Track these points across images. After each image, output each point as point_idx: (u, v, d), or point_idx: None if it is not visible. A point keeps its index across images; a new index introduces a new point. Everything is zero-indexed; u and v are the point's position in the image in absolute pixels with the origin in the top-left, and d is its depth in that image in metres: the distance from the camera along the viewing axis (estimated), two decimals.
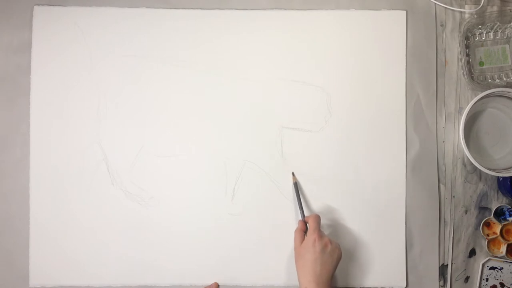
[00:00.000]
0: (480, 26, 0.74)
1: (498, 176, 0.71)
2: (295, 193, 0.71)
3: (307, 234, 0.65)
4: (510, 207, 0.73)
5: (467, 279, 0.73)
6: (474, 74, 0.74)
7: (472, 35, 0.74)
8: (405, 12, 0.74)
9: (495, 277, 0.73)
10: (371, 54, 0.74)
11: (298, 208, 0.70)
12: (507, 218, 0.73)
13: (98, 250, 0.72)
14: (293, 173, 0.72)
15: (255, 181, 0.73)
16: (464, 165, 0.74)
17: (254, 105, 0.73)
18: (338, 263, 0.64)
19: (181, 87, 0.73)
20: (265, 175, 0.73)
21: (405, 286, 0.72)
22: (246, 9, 0.74)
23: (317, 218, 0.67)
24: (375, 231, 0.72)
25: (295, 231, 0.68)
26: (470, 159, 0.68)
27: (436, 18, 0.74)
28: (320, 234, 0.64)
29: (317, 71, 0.74)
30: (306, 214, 0.70)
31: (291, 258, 0.71)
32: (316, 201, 0.72)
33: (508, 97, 0.72)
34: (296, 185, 0.71)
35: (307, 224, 0.67)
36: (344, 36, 0.74)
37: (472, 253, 0.73)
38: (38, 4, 0.73)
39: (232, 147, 0.73)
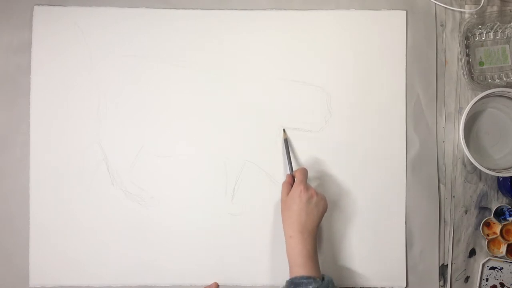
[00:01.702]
0: (480, 26, 0.74)
1: (498, 176, 0.71)
2: (284, 149, 0.71)
3: (294, 185, 0.66)
4: (510, 207, 0.73)
5: (467, 279, 0.73)
6: (474, 74, 0.74)
7: (472, 35, 0.74)
8: (405, 12, 0.74)
9: (495, 277, 0.73)
10: (371, 54, 0.74)
11: (287, 163, 0.70)
12: (507, 218, 0.73)
13: (98, 250, 0.72)
14: (284, 130, 0.73)
15: (255, 181, 0.73)
16: (464, 165, 0.74)
17: (254, 105, 0.73)
18: (323, 213, 0.66)
19: (181, 87, 0.73)
20: (265, 175, 0.73)
21: (405, 286, 0.72)
22: (246, 9, 0.74)
23: (304, 171, 0.67)
24: (375, 231, 0.72)
25: (282, 183, 0.69)
26: (470, 159, 0.68)
27: (436, 18, 0.74)
28: (306, 186, 0.65)
29: (317, 71, 0.74)
30: (294, 168, 0.70)
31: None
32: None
33: (508, 97, 0.72)
34: (286, 141, 0.72)
35: (295, 178, 0.68)
36: (344, 36, 0.74)
37: (472, 253, 0.73)
38: (38, 4, 0.73)
39: (232, 147, 0.73)
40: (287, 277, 0.66)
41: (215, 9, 0.74)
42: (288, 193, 0.66)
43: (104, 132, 0.73)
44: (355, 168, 0.73)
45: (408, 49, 0.74)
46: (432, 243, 0.72)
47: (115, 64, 0.73)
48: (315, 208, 0.64)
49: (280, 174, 0.73)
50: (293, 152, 0.73)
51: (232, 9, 0.74)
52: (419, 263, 0.72)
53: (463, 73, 0.74)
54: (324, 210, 0.66)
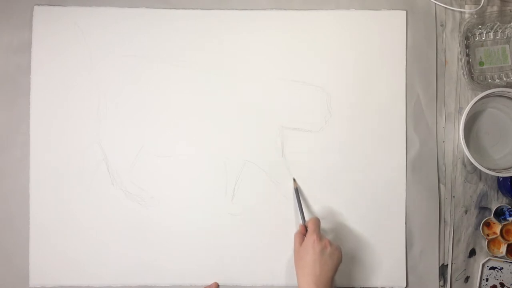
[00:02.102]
0: (480, 26, 0.74)
1: (498, 176, 0.71)
2: (295, 199, 0.71)
3: (307, 235, 0.65)
4: (510, 207, 0.73)
5: (467, 279, 0.73)
6: (474, 74, 0.74)
7: (472, 35, 0.74)
8: (405, 12, 0.74)
9: (495, 277, 0.73)
10: (371, 54, 0.74)
11: (299, 213, 0.70)
12: (507, 218, 0.73)
13: (98, 250, 0.72)
14: (294, 179, 0.72)
15: (255, 181, 0.73)
16: (464, 165, 0.74)
17: (254, 105, 0.73)
18: (338, 265, 0.64)
19: (181, 87, 0.73)
20: (265, 175, 0.73)
21: (405, 286, 0.72)
22: (246, 9, 0.74)
23: (317, 221, 0.67)
24: (375, 231, 0.72)
25: (295, 234, 0.68)
26: (470, 159, 0.68)
27: (436, 18, 0.74)
28: (320, 236, 0.64)
29: (317, 71, 0.74)
30: (306, 218, 0.70)
31: (291, 258, 0.71)
32: (316, 204, 0.72)
33: (508, 97, 0.72)
34: (297, 190, 0.71)
35: (307, 228, 0.67)
36: (344, 36, 0.74)
37: (472, 253, 0.73)
38: (38, 4, 0.73)
39: (232, 147, 0.73)
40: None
41: (215, 9, 0.74)
42: (301, 244, 0.65)
43: (104, 132, 0.73)
44: (355, 168, 0.73)
45: (408, 49, 0.74)
46: (432, 243, 0.72)
47: (115, 64, 0.73)
48: (329, 259, 0.62)
49: (280, 174, 0.72)
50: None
51: (232, 9, 0.74)
52: (419, 263, 0.72)
53: (463, 73, 0.74)
54: (339, 261, 0.64)
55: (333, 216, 0.72)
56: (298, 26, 0.74)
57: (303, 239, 0.66)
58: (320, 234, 0.65)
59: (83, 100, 0.73)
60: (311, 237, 0.64)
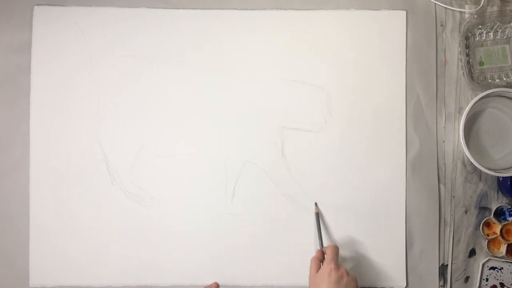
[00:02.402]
0: (480, 26, 0.74)
1: (498, 176, 0.71)
2: (316, 223, 0.71)
3: (324, 263, 0.64)
4: (510, 207, 0.73)
5: (467, 279, 0.73)
6: (474, 74, 0.74)
7: (472, 35, 0.74)
8: (405, 12, 0.74)
9: (495, 277, 0.73)
10: (371, 54, 0.74)
11: (318, 238, 0.69)
12: (507, 218, 0.73)
13: (98, 250, 0.72)
14: (316, 204, 0.72)
15: (255, 181, 0.73)
16: (464, 165, 0.73)
17: (254, 105, 0.73)
18: None
19: (181, 87, 0.73)
20: (265, 175, 0.73)
21: (405, 286, 0.72)
22: (246, 9, 0.74)
23: (336, 248, 0.65)
24: (375, 231, 0.72)
25: (312, 259, 0.66)
26: (470, 159, 0.68)
27: (436, 18, 0.74)
28: (337, 265, 0.63)
29: (317, 71, 0.74)
30: (324, 244, 0.69)
31: (291, 258, 0.71)
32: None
33: (508, 97, 0.72)
34: (317, 215, 0.71)
35: (325, 255, 0.66)
36: (344, 36, 0.74)
37: (472, 253, 0.73)
38: (38, 4, 0.74)
39: (232, 147, 0.73)
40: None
41: (215, 9, 0.74)
42: (317, 270, 0.64)
43: (104, 132, 0.73)
44: (355, 168, 0.73)
45: (408, 49, 0.74)
46: (432, 243, 0.72)
47: (115, 64, 0.73)
48: None
49: (280, 174, 0.72)
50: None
51: (232, 9, 0.74)
52: (419, 263, 0.72)
53: (463, 73, 0.74)
54: None
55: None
56: (298, 26, 0.74)
57: (319, 266, 0.65)
58: (337, 263, 0.64)
59: (83, 100, 0.73)
60: (328, 266, 0.62)
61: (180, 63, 0.74)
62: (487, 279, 0.73)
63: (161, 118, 0.73)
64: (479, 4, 0.73)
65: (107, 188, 0.72)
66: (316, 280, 0.63)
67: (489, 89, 0.70)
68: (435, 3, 0.74)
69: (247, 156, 0.73)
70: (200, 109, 0.73)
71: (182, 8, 0.74)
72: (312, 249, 0.71)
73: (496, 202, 0.73)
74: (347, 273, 0.62)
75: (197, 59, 0.74)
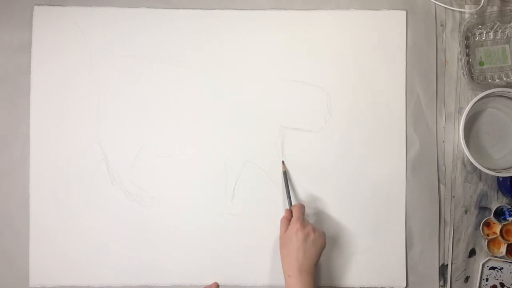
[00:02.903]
0: (480, 26, 0.74)
1: (498, 176, 0.71)
2: (283, 182, 0.71)
3: (291, 223, 0.66)
4: (510, 207, 0.73)
5: (467, 279, 0.73)
6: (474, 74, 0.74)
7: (472, 35, 0.74)
8: (405, 12, 0.74)
9: (495, 277, 0.73)
10: (371, 54, 0.74)
11: (286, 197, 0.70)
12: (507, 218, 0.73)
13: (98, 250, 0.72)
14: (283, 162, 0.72)
15: (255, 181, 0.73)
16: (464, 165, 0.74)
17: (254, 105, 0.73)
18: (321, 250, 0.65)
19: (181, 87, 0.73)
20: (265, 175, 0.73)
21: (405, 286, 0.72)
22: (246, 9, 0.74)
23: (301, 207, 0.67)
24: (375, 231, 0.72)
25: (281, 219, 0.68)
26: (470, 159, 0.68)
27: (436, 18, 0.74)
28: (303, 223, 0.65)
29: (317, 71, 0.74)
30: (293, 203, 0.70)
31: None
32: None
33: (508, 97, 0.72)
34: (285, 173, 0.71)
35: (292, 214, 0.68)
36: (344, 36, 0.74)
37: (472, 253, 0.73)
38: (38, 4, 0.73)
39: (232, 147, 0.73)
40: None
41: (215, 9, 0.74)
42: (286, 230, 0.66)
43: (104, 132, 0.73)
44: (355, 168, 0.73)
45: (408, 49, 0.74)
46: (432, 243, 0.72)
47: (115, 64, 0.73)
48: (312, 247, 0.63)
49: (280, 174, 0.72)
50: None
51: (232, 9, 0.74)
52: (419, 263, 0.72)
53: (463, 73, 0.74)
54: (322, 247, 0.65)
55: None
56: (298, 26, 0.74)
57: (288, 225, 0.66)
58: (304, 221, 0.65)
59: (83, 100, 0.73)
60: (294, 225, 0.64)
61: (180, 63, 0.74)
62: (487, 279, 0.73)
63: (161, 118, 0.73)
64: (479, 4, 0.73)
65: (107, 188, 0.72)
66: (284, 240, 0.65)
67: (489, 89, 0.70)
68: (435, 3, 0.74)
69: (247, 156, 0.73)
70: (200, 109, 0.73)
71: (182, 8, 0.74)
72: None
73: (496, 202, 0.73)
74: (314, 230, 0.64)
75: (197, 59, 0.74)
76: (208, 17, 0.74)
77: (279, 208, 0.72)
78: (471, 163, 0.69)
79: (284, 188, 0.71)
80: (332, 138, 0.73)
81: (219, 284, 0.72)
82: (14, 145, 0.73)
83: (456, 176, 0.73)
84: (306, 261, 0.62)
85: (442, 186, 0.73)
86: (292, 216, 0.67)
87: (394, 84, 0.73)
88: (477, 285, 0.73)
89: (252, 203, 0.72)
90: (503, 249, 0.72)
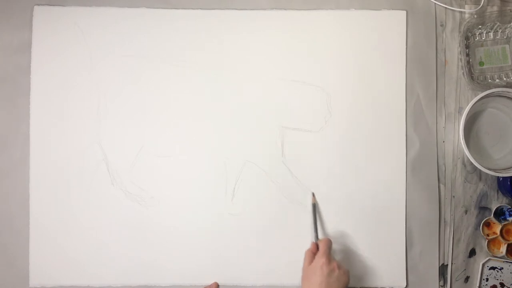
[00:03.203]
0: (480, 26, 0.74)
1: (498, 176, 0.71)
2: (312, 214, 0.71)
3: (316, 256, 0.65)
4: (510, 207, 0.73)
5: (467, 279, 0.73)
6: (474, 74, 0.74)
7: (472, 35, 0.74)
8: (405, 12, 0.74)
9: (495, 277, 0.73)
10: (371, 54, 0.74)
11: (313, 229, 0.70)
12: (507, 218, 0.73)
13: (98, 250, 0.72)
14: (313, 194, 0.72)
15: (255, 181, 0.73)
16: (464, 165, 0.74)
17: (254, 105, 0.73)
18: None
19: (181, 87, 0.73)
20: (265, 175, 0.73)
21: (405, 286, 0.72)
22: (246, 9, 0.74)
23: (329, 242, 0.66)
24: (375, 231, 0.72)
25: (306, 251, 0.67)
26: (470, 159, 0.68)
27: (436, 18, 0.74)
28: (329, 258, 0.64)
29: (317, 71, 0.74)
30: (320, 236, 0.70)
31: (290, 258, 0.71)
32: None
33: (508, 97, 0.72)
34: (314, 206, 0.71)
35: (318, 247, 0.67)
36: (344, 36, 0.74)
37: (472, 253, 0.73)
38: (38, 4, 0.74)
39: (232, 147, 0.73)
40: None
41: (215, 9, 0.74)
42: (310, 262, 0.65)
43: (104, 132, 0.73)
44: (355, 168, 0.73)
45: (408, 49, 0.74)
46: (432, 243, 0.72)
47: (115, 64, 0.73)
48: (335, 282, 0.62)
49: (280, 174, 0.72)
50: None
51: (232, 9, 0.74)
52: (419, 263, 0.72)
53: (463, 73, 0.74)
54: (346, 285, 0.64)
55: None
56: (298, 26, 0.74)
57: (313, 258, 0.65)
58: (330, 256, 0.64)
59: (83, 100, 0.73)
60: (320, 259, 0.64)
61: (180, 63, 0.74)
62: (487, 279, 0.73)
63: (161, 118, 0.73)
64: (479, 4, 0.73)
65: (107, 188, 0.72)
66: (308, 273, 0.64)
67: (489, 89, 0.70)
68: (435, 3, 0.74)
69: (247, 156, 0.73)
70: (200, 109, 0.73)
71: (182, 8, 0.74)
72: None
73: (496, 202, 0.73)
74: (339, 267, 0.63)
75: (197, 59, 0.74)
76: (208, 17, 0.74)
77: (279, 207, 0.72)
78: (471, 163, 0.69)
79: (312, 221, 0.71)
80: (332, 138, 0.73)
81: (219, 284, 0.72)
82: (14, 145, 0.73)
83: (456, 176, 0.73)
84: None
85: (442, 186, 0.73)
86: (317, 249, 0.67)
87: (394, 84, 0.73)
88: (477, 285, 0.73)
89: (252, 203, 0.72)
90: (503, 249, 0.72)
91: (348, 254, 0.72)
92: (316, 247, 0.67)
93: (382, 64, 0.74)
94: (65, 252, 0.72)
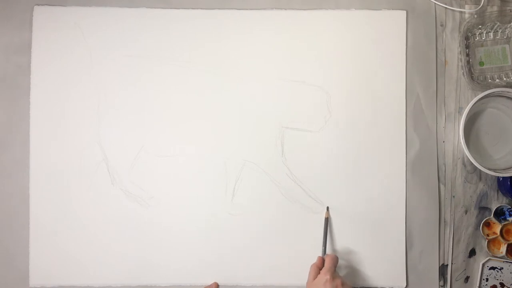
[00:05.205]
0: (480, 26, 0.74)
1: (498, 176, 0.71)
2: (324, 228, 0.71)
3: (321, 272, 0.64)
4: (510, 207, 0.73)
5: (467, 279, 0.73)
6: (474, 74, 0.74)
7: (472, 35, 0.74)
8: (405, 12, 0.74)
9: (495, 277, 0.73)
10: (371, 54, 0.74)
11: (322, 244, 0.70)
12: (507, 218, 0.73)
13: (98, 250, 0.72)
14: (327, 208, 0.72)
15: (255, 181, 0.73)
16: (464, 165, 0.73)
17: (254, 105, 0.73)
18: None
19: (181, 87, 0.73)
20: (265, 175, 0.73)
21: (405, 286, 0.72)
22: (246, 9, 0.74)
23: (335, 259, 0.66)
24: (375, 231, 0.72)
25: (311, 265, 0.67)
26: (470, 159, 0.68)
27: (436, 18, 0.74)
28: (334, 276, 0.63)
29: (317, 71, 0.74)
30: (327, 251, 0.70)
31: (290, 258, 0.71)
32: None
33: (508, 97, 0.72)
34: (327, 220, 0.71)
35: (324, 262, 0.66)
36: (344, 36, 0.74)
37: (472, 253, 0.73)
38: (38, 4, 0.74)
39: (232, 147, 0.73)
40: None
41: (215, 9, 0.74)
42: (314, 277, 0.64)
43: (104, 132, 0.73)
44: (354, 168, 0.73)
45: (408, 49, 0.74)
46: (432, 243, 0.72)
47: (115, 64, 0.73)
48: None
49: (280, 174, 0.72)
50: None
51: (232, 9, 0.74)
52: (419, 263, 0.72)
53: (463, 73, 0.74)
54: None
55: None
56: (298, 26, 0.74)
57: (317, 273, 0.65)
58: (334, 273, 0.64)
59: (83, 100, 0.73)
60: (324, 275, 0.63)
61: (180, 63, 0.74)
62: (487, 279, 0.73)
63: (161, 118, 0.73)
64: (479, 4, 0.73)
65: (107, 188, 0.72)
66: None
67: (489, 89, 0.70)
68: (435, 3, 0.74)
69: (247, 156, 0.73)
70: (200, 109, 0.73)
71: (182, 8, 0.74)
72: (310, 249, 0.71)
73: (496, 202, 0.73)
74: (343, 284, 0.63)
75: (197, 59, 0.74)
76: (208, 17, 0.74)
77: (279, 207, 0.72)
78: (471, 163, 0.69)
79: (323, 234, 0.70)
80: (332, 138, 0.73)
81: (219, 284, 0.72)
82: (14, 145, 0.73)
83: (456, 176, 0.73)
84: None
85: (442, 186, 0.73)
86: (323, 264, 0.66)
87: (394, 84, 0.73)
88: (477, 285, 0.73)
89: (252, 203, 0.72)
90: (503, 249, 0.72)
91: (348, 254, 0.72)
92: (322, 262, 0.67)
93: (382, 64, 0.74)
94: (65, 252, 0.72)
